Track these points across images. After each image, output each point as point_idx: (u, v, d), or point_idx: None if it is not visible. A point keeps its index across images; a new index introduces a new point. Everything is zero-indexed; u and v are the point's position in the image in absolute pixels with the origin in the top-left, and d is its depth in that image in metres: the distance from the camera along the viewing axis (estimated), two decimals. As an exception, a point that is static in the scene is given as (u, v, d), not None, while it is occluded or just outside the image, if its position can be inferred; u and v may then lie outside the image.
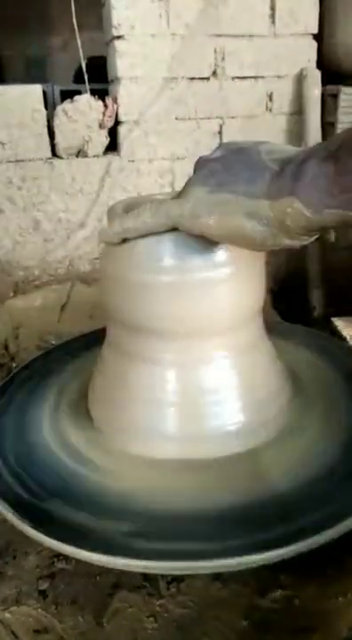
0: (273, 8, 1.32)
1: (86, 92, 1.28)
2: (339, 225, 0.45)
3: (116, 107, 1.29)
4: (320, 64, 1.40)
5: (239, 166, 0.49)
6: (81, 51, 1.27)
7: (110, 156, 1.33)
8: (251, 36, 1.33)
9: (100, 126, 1.29)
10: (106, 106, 1.28)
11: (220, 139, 1.39)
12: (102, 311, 0.67)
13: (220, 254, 0.57)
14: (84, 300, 1.18)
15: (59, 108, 1.27)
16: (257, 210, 0.47)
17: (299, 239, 0.48)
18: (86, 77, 1.29)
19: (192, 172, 0.54)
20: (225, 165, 0.50)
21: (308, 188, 0.44)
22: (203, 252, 0.57)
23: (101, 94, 1.31)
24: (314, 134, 1.37)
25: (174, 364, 0.61)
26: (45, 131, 1.27)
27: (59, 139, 1.28)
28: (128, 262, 0.59)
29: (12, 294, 1.28)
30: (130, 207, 0.63)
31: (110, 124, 1.30)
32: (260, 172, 0.47)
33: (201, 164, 0.53)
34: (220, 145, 0.53)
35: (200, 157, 0.54)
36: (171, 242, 0.56)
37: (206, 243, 0.55)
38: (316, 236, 0.49)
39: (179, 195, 0.54)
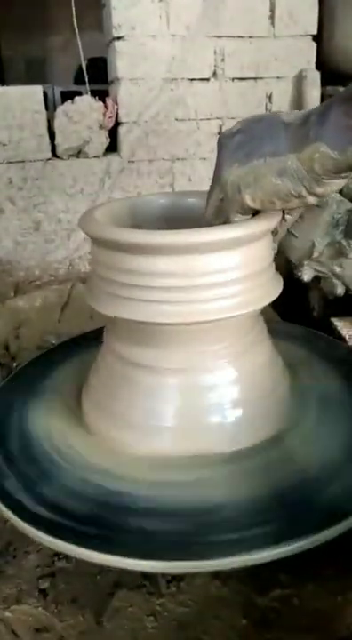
0: (273, 9, 1.32)
1: (87, 92, 1.29)
2: None
3: (116, 107, 1.30)
4: (319, 65, 1.41)
5: (261, 132, 0.52)
6: (81, 52, 1.27)
7: (110, 157, 1.33)
8: (250, 37, 1.33)
9: (101, 127, 1.29)
10: (106, 107, 1.28)
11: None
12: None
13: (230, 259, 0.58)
14: (84, 300, 1.18)
15: (59, 109, 1.27)
16: (285, 165, 0.49)
17: (329, 185, 0.50)
18: (87, 78, 1.29)
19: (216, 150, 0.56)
20: (248, 135, 0.53)
21: (332, 130, 0.46)
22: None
23: (102, 95, 1.31)
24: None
25: (175, 365, 0.61)
26: (46, 131, 1.28)
27: (59, 139, 1.28)
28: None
29: (12, 294, 1.28)
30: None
31: (110, 124, 1.30)
32: (282, 129, 0.50)
33: (224, 140, 0.55)
34: (238, 122, 0.56)
35: (221, 135, 0.56)
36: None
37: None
38: (345, 181, 0.50)
39: (213, 180, 0.56)
